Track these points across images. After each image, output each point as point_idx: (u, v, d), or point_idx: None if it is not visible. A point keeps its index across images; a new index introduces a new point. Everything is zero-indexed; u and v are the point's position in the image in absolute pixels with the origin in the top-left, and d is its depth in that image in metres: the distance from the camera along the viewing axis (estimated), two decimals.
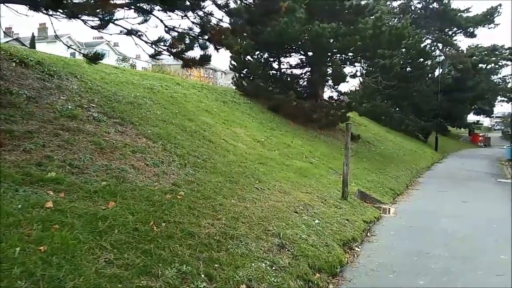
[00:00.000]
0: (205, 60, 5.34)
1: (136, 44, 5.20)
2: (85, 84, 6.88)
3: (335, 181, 7.90)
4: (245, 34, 5.71)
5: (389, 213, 7.56)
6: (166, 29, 5.86)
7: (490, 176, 14.22)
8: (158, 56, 5.33)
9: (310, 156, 9.48)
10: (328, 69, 14.73)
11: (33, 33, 46.97)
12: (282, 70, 15.52)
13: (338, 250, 4.74)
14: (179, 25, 5.91)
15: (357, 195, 8.00)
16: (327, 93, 16.53)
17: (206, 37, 5.16)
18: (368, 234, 6.04)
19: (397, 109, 25.79)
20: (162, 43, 5.18)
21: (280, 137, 10.26)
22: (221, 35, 4.97)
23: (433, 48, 28.72)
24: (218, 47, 5.24)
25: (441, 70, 26.99)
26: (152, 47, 5.27)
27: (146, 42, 5.18)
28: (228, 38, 5.08)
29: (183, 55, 5.37)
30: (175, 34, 5.87)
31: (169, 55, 5.46)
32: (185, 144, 6.17)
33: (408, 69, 24.62)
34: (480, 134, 36.95)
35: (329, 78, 15.14)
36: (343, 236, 5.27)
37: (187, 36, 5.28)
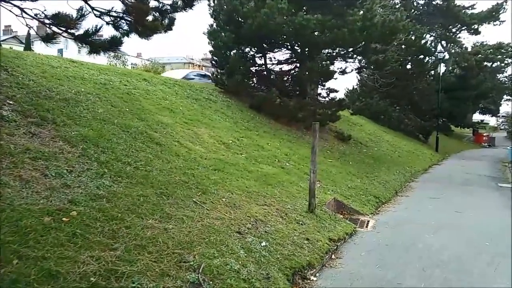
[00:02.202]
0: (115, 44, 4.41)
1: (27, 25, 4.26)
2: (13, 78, 5.97)
3: (307, 190, 6.91)
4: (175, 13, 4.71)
5: (366, 227, 6.56)
6: (97, 12, 4.92)
7: (490, 179, 13.15)
8: (53, 40, 4.40)
9: (285, 160, 8.50)
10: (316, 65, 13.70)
11: (28, 31, 46.04)
12: (268, 66, 14.55)
13: (281, 284, 3.77)
14: (112, 8, 4.98)
15: (332, 206, 7.03)
16: (320, 91, 15.55)
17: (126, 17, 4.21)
18: (333, 256, 5.04)
19: (396, 107, 24.64)
20: (62, 24, 4.23)
21: (255, 138, 9.29)
22: (144, 15, 4.04)
23: (433, 44, 27.49)
24: (142, 31, 4.30)
25: (444, 67, 25.82)
26: (50, 28, 4.31)
27: (44, 24, 4.24)
28: (153, 18, 4.15)
29: (90, 39, 4.43)
30: (109, 19, 4.95)
31: (72, 39, 4.53)
32: (118, 148, 5.23)
33: (408, 66, 23.54)
34: (484, 134, 35.72)
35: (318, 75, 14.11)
36: (295, 263, 4.29)
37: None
